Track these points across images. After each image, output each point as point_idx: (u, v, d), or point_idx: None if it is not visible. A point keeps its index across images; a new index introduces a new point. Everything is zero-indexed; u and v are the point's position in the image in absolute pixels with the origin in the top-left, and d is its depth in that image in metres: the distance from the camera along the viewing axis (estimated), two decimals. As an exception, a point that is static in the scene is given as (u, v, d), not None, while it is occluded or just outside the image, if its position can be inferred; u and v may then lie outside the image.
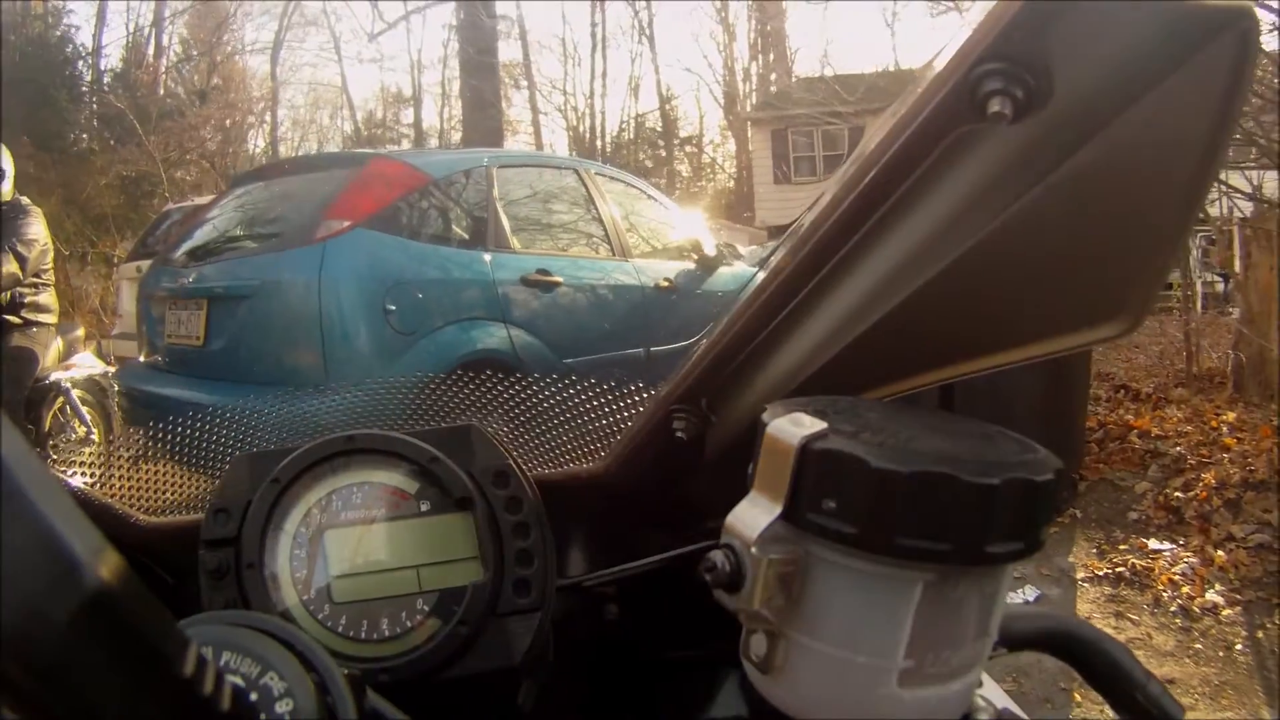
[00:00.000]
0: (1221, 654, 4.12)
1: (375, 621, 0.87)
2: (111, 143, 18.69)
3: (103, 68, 21.41)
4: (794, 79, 25.26)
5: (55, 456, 3.27)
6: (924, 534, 0.54)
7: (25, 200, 5.99)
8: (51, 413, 6.10)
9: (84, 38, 21.42)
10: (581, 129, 30.73)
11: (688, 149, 31.34)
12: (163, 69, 23.00)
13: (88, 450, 3.88)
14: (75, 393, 6.25)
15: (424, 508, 0.92)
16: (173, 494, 1.26)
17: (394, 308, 4.93)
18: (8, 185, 5.81)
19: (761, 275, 0.77)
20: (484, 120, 22.37)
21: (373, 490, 0.92)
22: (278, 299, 4.98)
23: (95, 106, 19.62)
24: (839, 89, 20.17)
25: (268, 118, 26.66)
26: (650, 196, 7.13)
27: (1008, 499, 0.54)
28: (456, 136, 28.79)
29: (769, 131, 22.70)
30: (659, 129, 30.69)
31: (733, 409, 0.89)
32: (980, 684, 0.64)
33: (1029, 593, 4.67)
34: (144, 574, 1.01)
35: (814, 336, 0.77)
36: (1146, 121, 0.56)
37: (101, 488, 1.23)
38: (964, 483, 0.53)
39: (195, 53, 23.98)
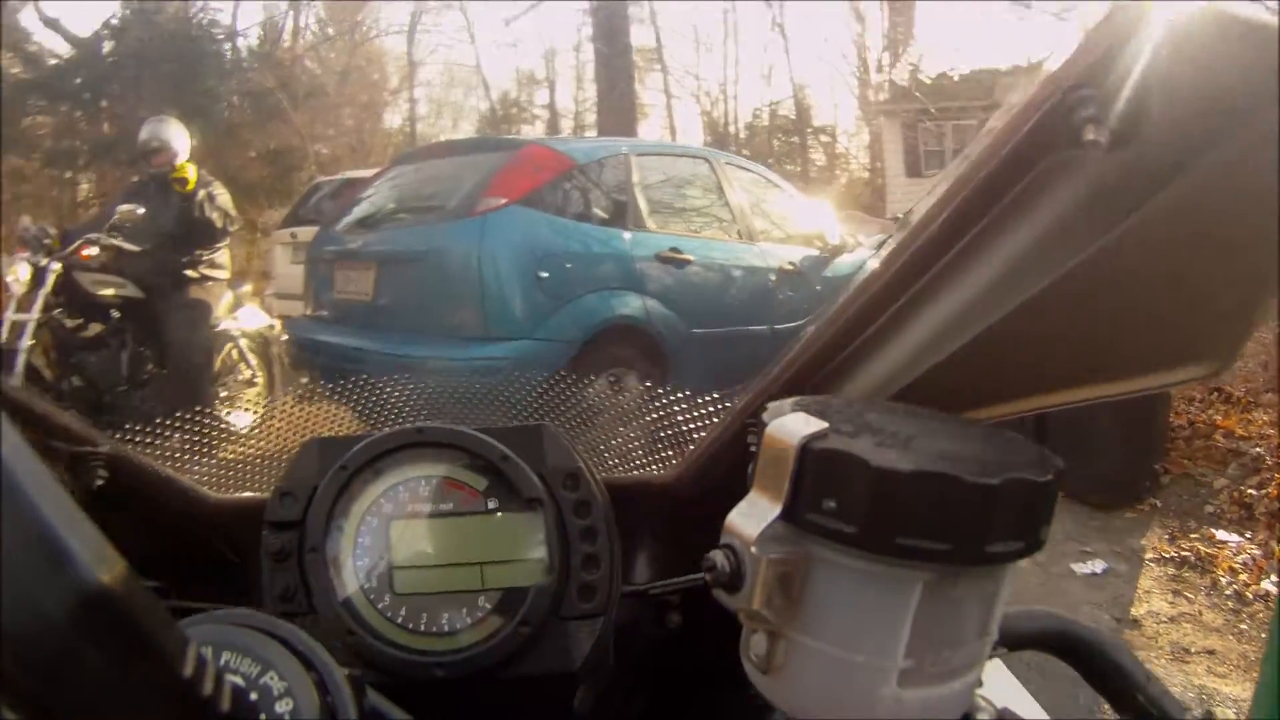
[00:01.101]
0: (1264, 635, 4.21)
1: (435, 615, 0.88)
2: (254, 117, 19.15)
3: (242, 47, 21.87)
4: (922, 74, 25.30)
5: (225, 394, 3.93)
6: (924, 533, 0.52)
7: (204, 172, 6.45)
8: (221, 357, 6.53)
9: (224, 18, 22.44)
10: (715, 114, 30.69)
11: (821, 138, 31.18)
12: (301, 49, 23.51)
13: (251, 390, 4.58)
14: (243, 341, 6.71)
15: (491, 505, 0.92)
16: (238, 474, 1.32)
17: (545, 275, 5.50)
18: (183, 159, 6.34)
19: (852, 285, 0.77)
20: (617, 104, 22.45)
21: (441, 484, 0.93)
22: (442, 264, 5.61)
23: (239, 84, 19.84)
24: (967, 85, 20.34)
25: (404, 96, 27.35)
26: (776, 185, 7.52)
27: (1008, 498, 0.53)
28: (590, 118, 28.76)
29: (900, 124, 23.04)
30: (792, 117, 30.44)
31: None
32: (980, 684, 0.63)
33: (1096, 565, 4.79)
34: (209, 551, 1.00)
35: (903, 351, 0.75)
36: (1243, 156, 0.55)
37: (201, 458, 1.28)
38: (964, 482, 0.52)
39: (331, 31, 25.29)
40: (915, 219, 0.68)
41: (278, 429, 1.45)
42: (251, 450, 1.35)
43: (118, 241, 6.01)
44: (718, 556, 0.57)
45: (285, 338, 6.88)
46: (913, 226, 0.68)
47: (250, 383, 6.87)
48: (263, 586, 0.86)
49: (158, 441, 1.24)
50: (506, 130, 26.70)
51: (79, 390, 6.27)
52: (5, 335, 5.78)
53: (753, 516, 0.57)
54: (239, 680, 0.49)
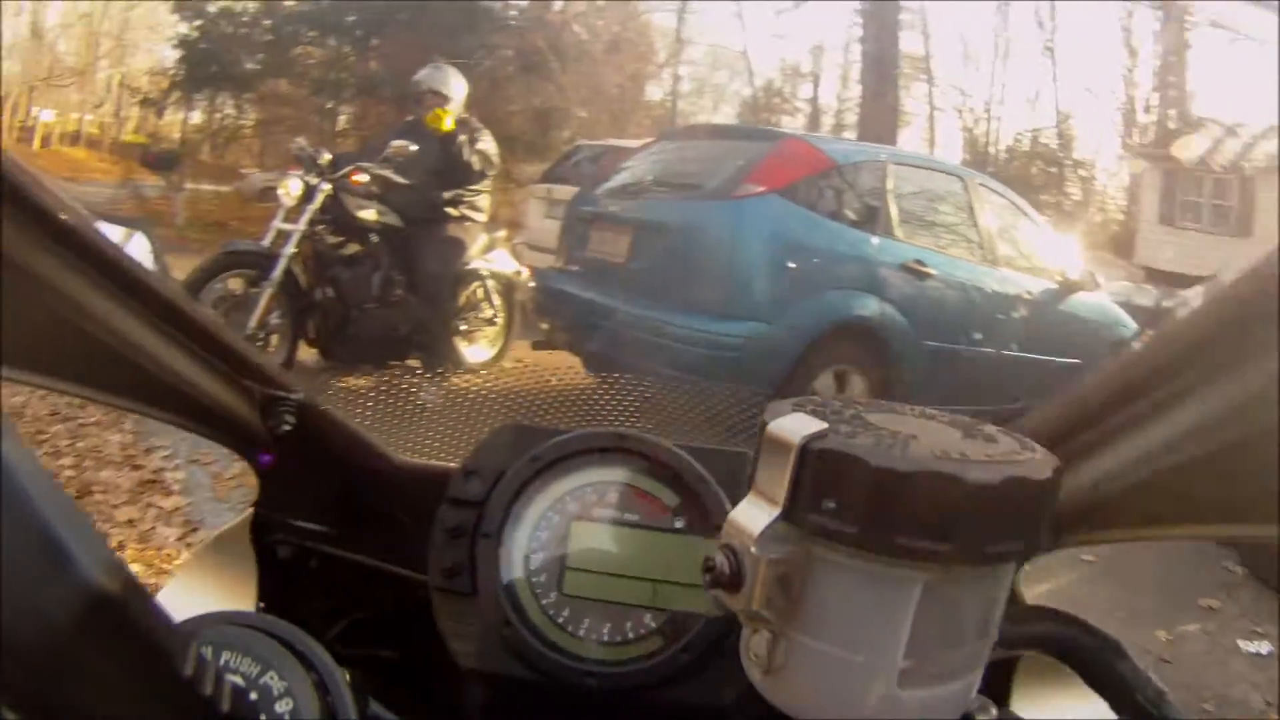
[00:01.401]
0: None
1: (597, 623, 0.87)
2: (521, 73, 19.57)
3: (515, 4, 22.35)
4: (1185, 123, 24.25)
5: (465, 327, 4.35)
6: (924, 534, 0.52)
7: (474, 119, 6.88)
8: (466, 294, 6.89)
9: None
10: (976, 132, 29.99)
11: (1080, 172, 30.39)
12: (572, 13, 23.74)
13: (490, 329, 5.01)
14: (490, 282, 7.05)
15: (679, 524, 0.91)
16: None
17: (793, 266, 5.68)
18: (456, 106, 6.77)
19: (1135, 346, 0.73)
20: (880, 108, 22.17)
21: (630, 493, 0.92)
22: (698, 239, 5.81)
23: (510, 40, 20.23)
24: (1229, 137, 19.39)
25: (669, 72, 27.22)
26: (1025, 214, 7.48)
27: (1008, 498, 0.53)
28: (851, 119, 28.40)
29: (1160, 170, 22.25)
30: (1054, 146, 29.77)
31: None
32: (979, 684, 0.62)
33: (1263, 647, 4.51)
34: (381, 508, 1.01)
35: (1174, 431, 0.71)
36: None
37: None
38: (964, 482, 0.52)
39: (603, 1, 26.21)
40: (1215, 291, 0.65)
41: (473, 400, 1.46)
42: (444, 419, 1.36)
43: (387, 173, 6.41)
44: (718, 557, 0.58)
45: (532, 285, 7.11)
46: (1179, 321, 0.65)
47: (490, 321, 7.20)
48: (429, 557, 0.87)
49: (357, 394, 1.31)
50: (766, 119, 26.75)
51: (329, 301, 6.67)
52: (270, 240, 6.26)
53: (753, 516, 0.57)
54: (239, 680, 0.50)
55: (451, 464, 1.03)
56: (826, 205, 6.07)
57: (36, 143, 30.43)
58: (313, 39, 21.87)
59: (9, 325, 0.68)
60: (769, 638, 0.59)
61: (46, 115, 34.00)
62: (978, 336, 6.40)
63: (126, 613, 0.34)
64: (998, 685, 0.69)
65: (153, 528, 4.34)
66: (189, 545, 4.21)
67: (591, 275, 6.37)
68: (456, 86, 6.84)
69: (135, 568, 3.74)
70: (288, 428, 0.92)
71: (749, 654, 0.61)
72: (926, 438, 0.57)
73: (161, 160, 22.79)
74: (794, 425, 0.57)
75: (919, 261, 6.09)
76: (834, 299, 5.79)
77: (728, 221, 5.68)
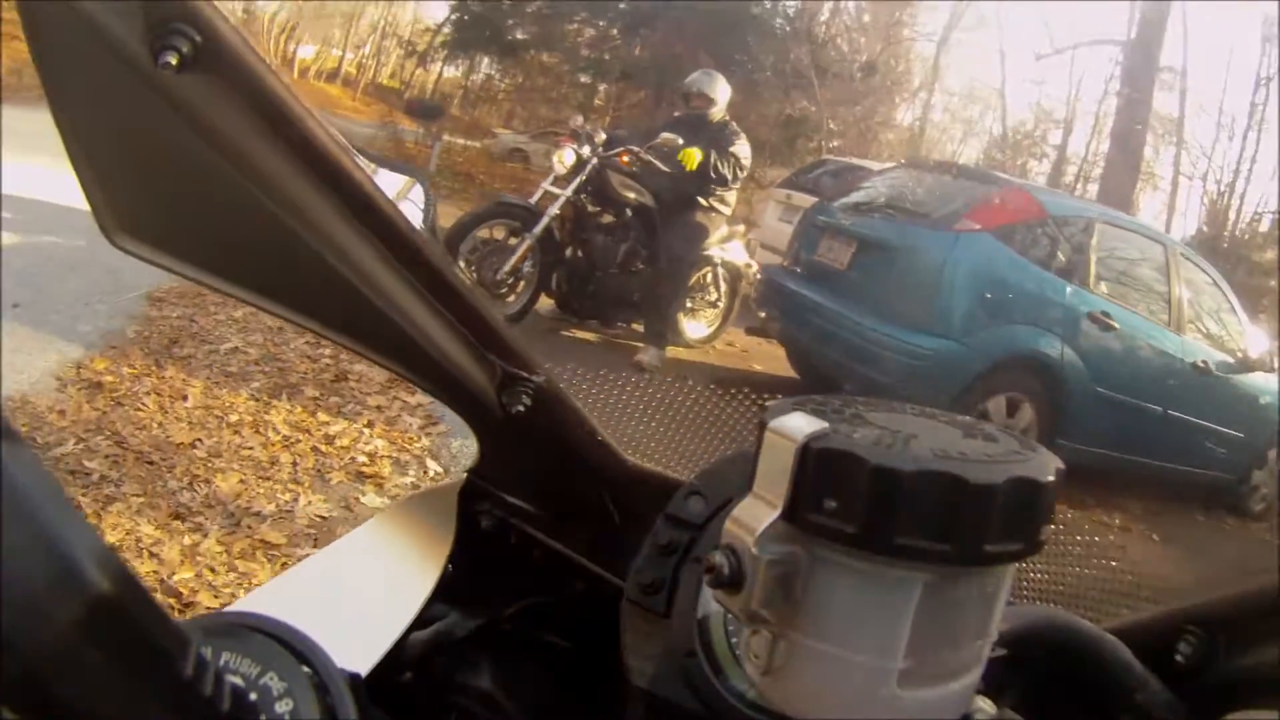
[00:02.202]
0: None
1: None
2: (779, 81, 20.05)
3: (781, 13, 22.81)
4: None
5: (691, 305, 5.42)
6: (924, 534, 0.52)
7: (734, 124, 7.50)
8: (699, 276, 7.54)
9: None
10: (1219, 205, 28.37)
11: None
12: (835, 30, 24.07)
13: (712, 311, 6.12)
14: (721, 269, 7.69)
15: None
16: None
17: (989, 296, 6.26)
18: (719, 109, 7.42)
19: None
20: (1123, 166, 22.25)
21: None
22: (914, 261, 6.45)
23: (772, 47, 20.88)
24: None
25: (922, 99, 27.50)
26: (1219, 287, 7.80)
27: (1008, 499, 0.53)
28: (1096, 171, 27.83)
29: None
30: None
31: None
32: (979, 684, 0.61)
33: None
34: (596, 504, 1.01)
35: None
36: None
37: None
38: (964, 482, 0.52)
39: (867, 19, 25.12)
40: None
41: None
42: (671, 423, 1.35)
43: (652, 159, 7.09)
44: (717, 557, 0.57)
45: (759, 277, 7.68)
46: None
47: (713, 304, 7.84)
48: (631, 567, 0.85)
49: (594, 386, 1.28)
50: (1012, 159, 27.05)
51: (578, 261, 7.30)
52: (537, 199, 6.98)
53: (753, 516, 0.57)
54: (239, 680, 0.50)
55: (680, 477, 1.01)
56: (1031, 250, 6.60)
57: (294, 73, 32.03)
58: (584, 19, 22.95)
59: (275, 263, 0.76)
60: (769, 638, 0.58)
61: (306, 51, 35.56)
62: (1147, 393, 6.79)
63: (126, 613, 0.34)
64: (997, 685, 0.68)
65: (399, 415, 4.72)
66: (428, 434, 4.57)
67: (813, 277, 6.94)
68: (722, 91, 7.45)
69: (380, 444, 4.21)
70: (522, 408, 0.91)
71: (749, 654, 0.61)
72: (926, 437, 0.57)
73: (426, 110, 24.04)
74: (794, 424, 0.57)
75: (1105, 314, 6.52)
76: (1020, 332, 6.36)
77: (941, 250, 6.33)
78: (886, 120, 24.24)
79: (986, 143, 28.99)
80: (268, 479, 3.65)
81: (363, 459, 4.10)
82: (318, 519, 3.43)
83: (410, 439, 4.50)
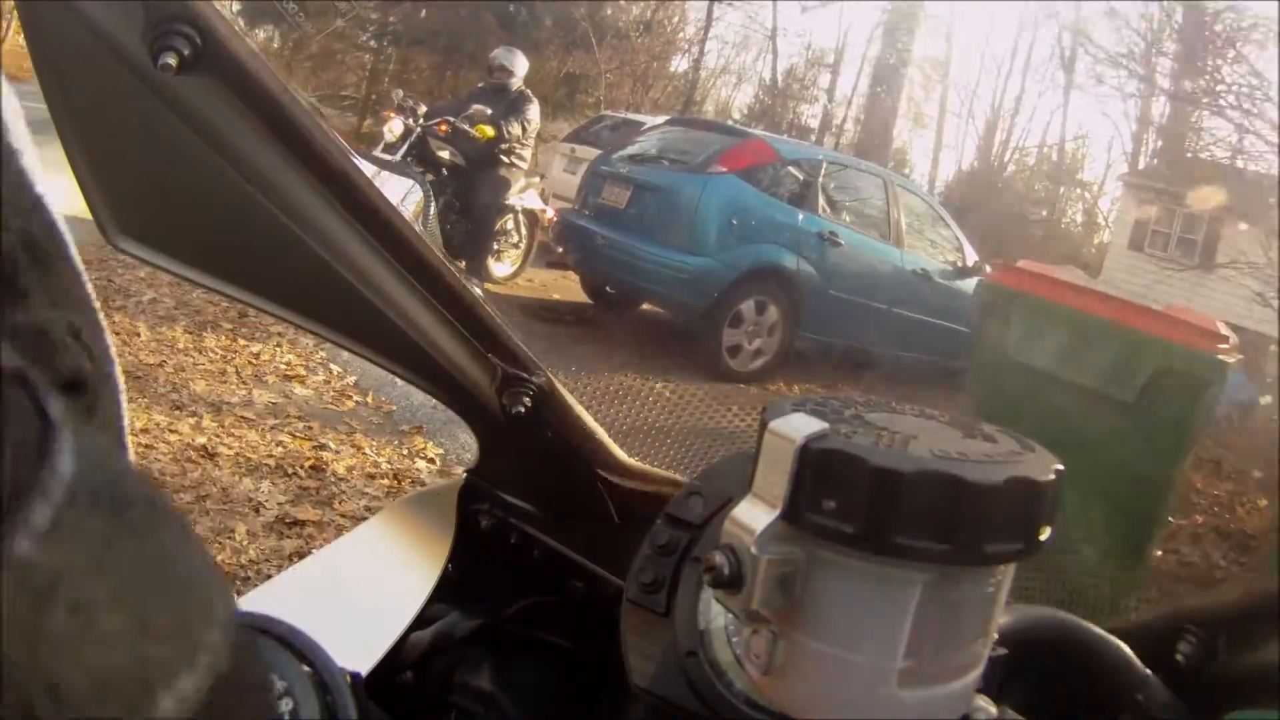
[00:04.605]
0: None
1: None
2: (563, 42, 20.92)
3: None
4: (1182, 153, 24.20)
5: (498, 247, 7.30)
6: (924, 534, 0.51)
7: (528, 91, 8.41)
8: (502, 222, 8.50)
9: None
10: (987, 140, 29.82)
11: (1078, 191, 30.74)
12: None
13: (514, 251, 7.71)
14: (521, 215, 8.67)
15: None
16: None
17: (735, 222, 7.61)
18: (518, 80, 8.37)
19: None
20: (882, 108, 23.70)
21: None
22: (676, 199, 7.79)
23: (556, 11, 21.56)
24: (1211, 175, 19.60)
25: (695, 46, 27.74)
26: (938, 215, 9.45)
27: (1009, 499, 0.52)
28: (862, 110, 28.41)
29: (1138, 198, 23.50)
30: (1062, 163, 30.07)
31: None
32: (979, 684, 0.59)
33: None
34: (594, 502, 0.99)
35: None
36: None
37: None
38: (965, 482, 0.51)
39: None
40: None
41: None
42: (669, 424, 1.30)
43: (465, 126, 7.94)
44: (717, 557, 0.56)
45: (552, 219, 8.82)
46: None
47: (516, 245, 8.75)
48: (631, 567, 0.83)
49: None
50: (783, 103, 28.02)
51: None
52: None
53: (753, 516, 0.56)
54: None
55: (680, 477, 1.01)
56: (769, 185, 7.99)
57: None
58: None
59: (275, 264, 0.76)
60: (769, 638, 0.57)
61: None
62: (871, 293, 8.11)
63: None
64: (997, 685, 0.67)
65: (297, 336, 5.55)
66: (322, 348, 5.45)
67: (600, 216, 8.07)
68: (521, 65, 8.43)
69: (291, 357, 4.99)
70: (522, 409, 0.91)
71: (749, 654, 0.60)
72: (926, 438, 0.56)
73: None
74: (794, 425, 0.55)
75: (833, 234, 7.91)
76: (763, 249, 7.73)
77: (697, 189, 7.75)
78: (663, 74, 25.10)
79: (758, 88, 29.62)
80: (225, 383, 4.60)
81: (283, 366, 5.05)
82: (270, 403, 4.47)
83: (311, 352, 5.46)
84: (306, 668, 0.52)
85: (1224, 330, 5.01)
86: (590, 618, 0.97)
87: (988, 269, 9.05)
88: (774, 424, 0.57)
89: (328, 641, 0.53)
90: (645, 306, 8.71)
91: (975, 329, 7.07)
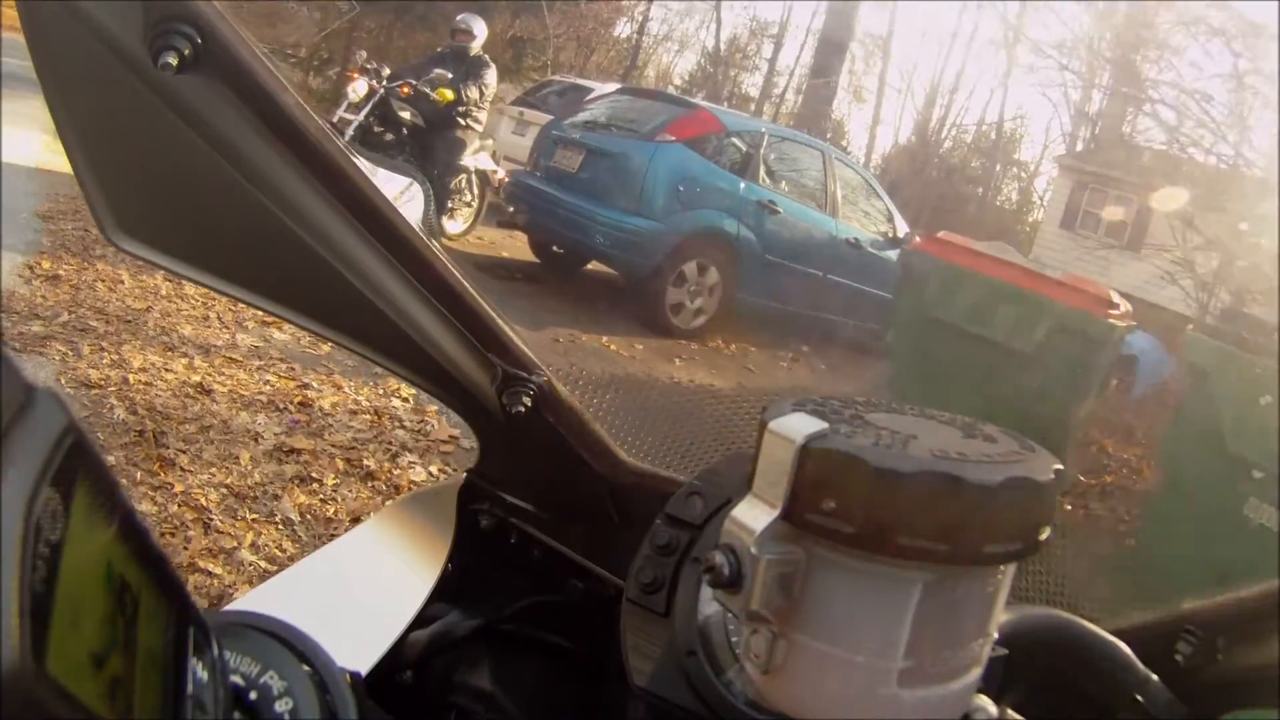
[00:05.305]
0: None
1: None
2: (511, 5, 20.66)
3: None
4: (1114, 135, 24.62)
5: (451, 205, 7.77)
6: (924, 534, 0.52)
7: (487, 56, 8.60)
8: (457, 181, 8.73)
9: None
10: (925, 115, 29.77)
11: (1014, 170, 30.81)
12: None
13: (467, 209, 8.01)
14: (474, 175, 8.90)
15: None
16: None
17: (681, 189, 7.91)
18: (478, 44, 8.55)
19: None
20: (823, 83, 23.60)
21: None
22: (626, 164, 8.11)
23: None
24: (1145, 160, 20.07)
25: (640, 11, 27.75)
26: (872, 189, 9.86)
27: (1008, 499, 0.53)
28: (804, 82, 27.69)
29: (1072, 179, 24.04)
30: (999, 141, 29.90)
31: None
32: (979, 684, 0.58)
33: None
34: (593, 501, 0.96)
35: None
36: None
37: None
38: (964, 483, 0.52)
39: None
40: None
41: (694, 404, 1.43)
42: (667, 426, 1.35)
43: (425, 88, 8.11)
44: (717, 557, 0.55)
45: (504, 180, 9.07)
46: None
47: (469, 204, 8.93)
48: (631, 567, 0.83)
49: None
50: (724, 72, 27.91)
51: None
52: (335, 122, 7.67)
53: (753, 516, 0.56)
54: (239, 680, 0.49)
55: (680, 477, 0.99)
56: (714, 154, 8.32)
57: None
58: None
59: (275, 263, 0.74)
60: (769, 637, 0.57)
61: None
62: (807, 259, 8.43)
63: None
64: (997, 685, 0.67)
65: None
66: None
67: (552, 178, 8.33)
68: (481, 30, 8.63)
69: None
70: (522, 409, 0.90)
71: (749, 654, 0.59)
72: (926, 438, 0.56)
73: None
74: (794, 425, 0.55)
75: (772, 202, 8.27)
76: (705, 215, 8.07)
77: (646, 156, 8.06)
78: (606, 39, 25.36)
79: (700, 55, 29.44)
80: (209, 327, 4.77)
81: (260, 313, 5.45)
82: (253, 346, 4.66)
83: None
84: (306, 667, 0.52)
85: (1116, 299, 5.55)
86: (590, 618, 0.97)
87: (916, 239, 9.34)
88: (773, 424, 0.57)
89: (328, 641, 0.53)
90: (590, 266, 8.93)
91: (897, 289, 7.72)
